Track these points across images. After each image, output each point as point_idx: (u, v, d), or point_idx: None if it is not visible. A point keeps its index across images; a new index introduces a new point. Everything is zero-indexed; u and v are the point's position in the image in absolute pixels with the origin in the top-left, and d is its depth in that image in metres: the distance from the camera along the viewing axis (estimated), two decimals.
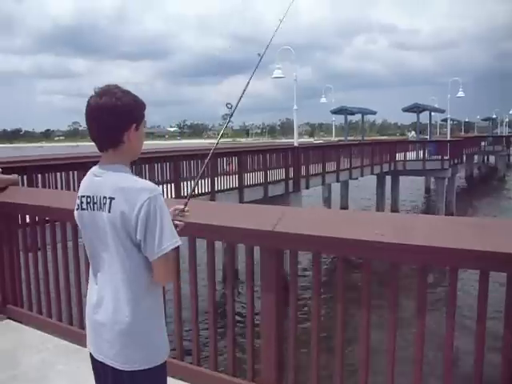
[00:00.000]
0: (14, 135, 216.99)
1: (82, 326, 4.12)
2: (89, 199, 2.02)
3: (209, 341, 3.38)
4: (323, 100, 33.25)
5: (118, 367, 2.02)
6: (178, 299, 3.50)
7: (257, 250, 3.07)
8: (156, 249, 1.93)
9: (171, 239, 1.95)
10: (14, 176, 5.12)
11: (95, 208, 2.00)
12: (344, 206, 26.94)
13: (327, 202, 28.68)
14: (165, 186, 11.94)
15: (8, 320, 4.78)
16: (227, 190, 14.18)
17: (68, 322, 4.33)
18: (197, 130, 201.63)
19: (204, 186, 13.08)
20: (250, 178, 15.10)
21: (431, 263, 2.61)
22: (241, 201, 14.69)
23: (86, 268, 3.49)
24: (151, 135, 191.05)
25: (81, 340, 4.03)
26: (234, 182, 14.54)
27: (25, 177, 9.49)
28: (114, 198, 1.94)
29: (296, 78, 19.50)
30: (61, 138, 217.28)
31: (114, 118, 1.96)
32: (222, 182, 14.04)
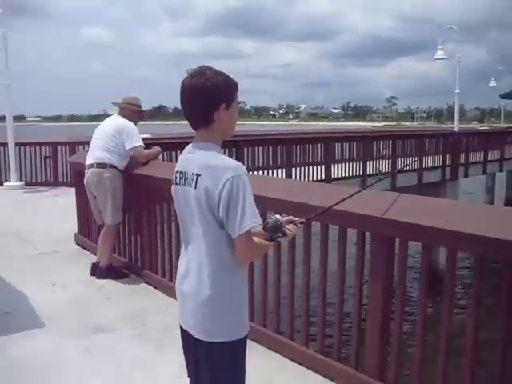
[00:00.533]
0: (180, 113, 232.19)
1: None
2: (181, 175, 2.11)
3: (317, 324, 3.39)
4: (492, 83, 30.80)
5: (197, 337, 2.10)
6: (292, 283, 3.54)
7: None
8: (237, 226, 1.96)
9: (251, 218, 1.96)
10: (157, 148, 5.49)
11: (186, 183, 2.08)
12: (509, 198, 24.81)
13: (490, 192, 26.58)
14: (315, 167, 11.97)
15: (144, 284, 5.21)
16: (377, 174, 13.78)
17: None
18: (360, 112, 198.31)
19: (355, 169, 12.91)
20: (403, 163, 14.48)
21: None
22: (393, 187, 14.24)
23: None
24: (314, 116, 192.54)
25: None
26: (387, 166, 14.08)
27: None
28: (200, 175, 2.00)
29: (459, 59, 18.34)
30: None
31: (203, 97, 2.01)
32: (373, 167, 13.66)
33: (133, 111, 5.32)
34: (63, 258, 6.17)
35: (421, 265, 2.73)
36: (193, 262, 2.12)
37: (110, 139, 5.15)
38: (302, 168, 11.71)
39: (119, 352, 3.76)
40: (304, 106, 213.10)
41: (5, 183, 12.02)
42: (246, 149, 10.82)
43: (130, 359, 3.64)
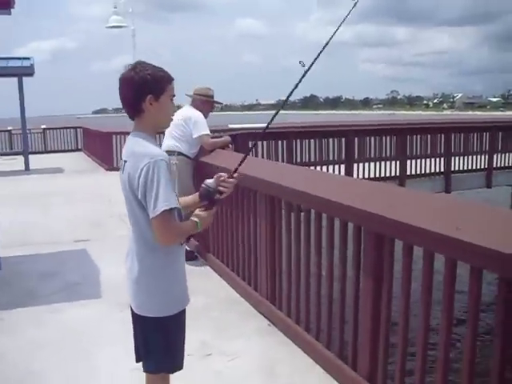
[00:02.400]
0: (335, 102, 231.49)
1: (250, 283, 4.51)
2: (121, 162, 2.29)
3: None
4: None
5: (134, 310, 2.30)
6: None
7: None
8: (152, 210, 2.09)
9: (164, 202, 2.08)
10: (226, 138, 5.70)
11: (121, 170, 2.27)
12: None
13: None
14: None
15: (207, 267, 5.47)
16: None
17: (240, 275, 4.75)
18: None
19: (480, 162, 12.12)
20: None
21: None
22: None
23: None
24: (470, 105, 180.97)
25: (246, 294, 4.46)
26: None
27: (284, 142, 10.32)
28: (126, 161, 2.19)
29: None
30: (379, 106, 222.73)
31: (131, 89, 2.19)
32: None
33: (202, 101, 5.58)
34: None
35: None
36: (131, 242, 2.30)
37: (178, 128, 5.46)
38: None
39: None
40: (460, 94, 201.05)
41: None
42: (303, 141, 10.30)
43: None
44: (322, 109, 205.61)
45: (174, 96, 2.31)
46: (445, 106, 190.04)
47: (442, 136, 11.75)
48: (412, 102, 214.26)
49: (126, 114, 2.30)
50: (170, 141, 5.50)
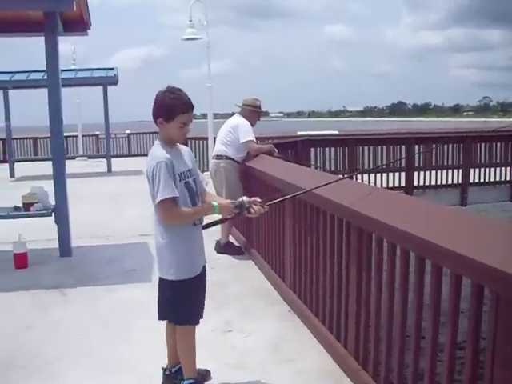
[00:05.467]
0: (423, 109, 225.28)
1: (280, 275, 5.01)
2: None
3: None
4: None
5: (158, 273, 3.06)
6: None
7: None
8: (156, 198, 2.80)
9: (162, 192, 2.76)
10: (270, 146, 6.25)
11: None
12: None
13: None
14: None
15: (250, 260, 6.03)
16: None
17: (273, 268, 5.26)
18: None
19: None
20: None
21: None
22: None
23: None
24: None
25: (276, 284, 4.97)
26: None
27: (346, 148, 10.71)
28: (148, 161, 2.89)
29: None
30: (469, 113, 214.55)
31: (153, 107, 2.90)
32: None
33: (250, 111, 6.17)
34: (205, 235, 7.28)
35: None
36: (154, 223, 3.02)
37: (227, 135, 6.08)
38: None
39: None
40: None
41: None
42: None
43: None
44: (409, 116, 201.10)
45: (185, 124, 2.89)
46: None
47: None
48: (506, 108, 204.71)
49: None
50: (219, 146, 6.13)
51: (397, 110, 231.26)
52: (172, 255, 2.94)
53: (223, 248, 6.26)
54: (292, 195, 3.60)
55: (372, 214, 2.95)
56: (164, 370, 3.20)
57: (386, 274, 2.94)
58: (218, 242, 6.39)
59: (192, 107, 2.90)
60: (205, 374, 3.24)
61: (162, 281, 3.05)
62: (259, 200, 3.08)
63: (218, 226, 6.36)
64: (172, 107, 2.83)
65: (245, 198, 3.05)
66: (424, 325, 2.58)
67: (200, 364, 3.16)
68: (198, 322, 3.09)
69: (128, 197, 10.51)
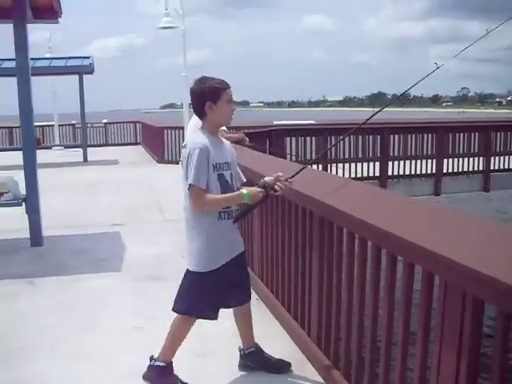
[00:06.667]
0: (403, 100, 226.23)
1: (251, 266, 5.03)
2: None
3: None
4: None
5: None
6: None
7: None
8: (188, 181, 2.85)
9: (191, 177, 2.83)
10: (241, 134, 6.24)
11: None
12: None
13: None
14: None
15: None
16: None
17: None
18: None
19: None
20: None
21: None
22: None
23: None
24: None
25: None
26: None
27: (320, 138, 10.74)
28: (186, 145, 3.06)
29: None
30: (448, 103, 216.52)
31: (194, 98, 3.01)
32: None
33: None
34: (178, 224, 7.28)
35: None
36: (184, 210, 3.07)
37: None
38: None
39: (157, 296, 4.63)
40: None
41: None
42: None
43: (159, 302, 4.47)
44: (389, 106, 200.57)
45: (230, 100, 3.01)
46: None
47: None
48: (483, 99, 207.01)
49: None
50: (190, 135, 6.11)
51: (376, 100, 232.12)
52: (194, 246, 3.01)
53: None
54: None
55: (332, 202, 2.98)
56: (240, 350, 3.36)
57: (345, 262, 3.00)
58: None
59: (229, 85, 3.03)
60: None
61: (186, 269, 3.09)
62: (281, 174, 3.08)
63: None
64: (215, 88, 2.95)
65: (267, 179, 3.05)
66: (381, 312, 2.64)
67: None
68: (200, 317, 3.10)
69: (102, 186, 10.47)
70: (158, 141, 15.49)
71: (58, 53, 18.93)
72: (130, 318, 4.10)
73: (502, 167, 12.11)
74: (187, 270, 3.05)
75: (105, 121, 21.49)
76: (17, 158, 6.98)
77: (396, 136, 11.26)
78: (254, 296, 4.53)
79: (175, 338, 3.09)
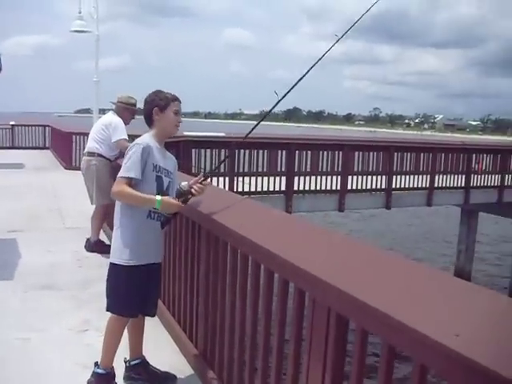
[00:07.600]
0: (318, 116, 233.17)
1: None
2: None
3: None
4: None
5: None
6: None
7: None
8: (119, 174, 3.00)
9: (125, 172, 2.96)
10: None
11: None
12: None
13: None
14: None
15: None
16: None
17: None
18: (502, 126, 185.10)
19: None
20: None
21: None
22: (466, 201, 13.92)
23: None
24: (451, 127, 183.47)
25: None
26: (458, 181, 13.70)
27: (226, 151, 10.80)
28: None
29: None
30: (361, 122, 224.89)
31: (145, 105, 3.18)
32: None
33: (124, 108, 6.10)
34: (79, 233, 7.13)
35: None
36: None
37: (99, 132, 6.01)
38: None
39: (48, 306, 4.54)
40: (441, 116, 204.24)
41: None
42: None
43: (50, 312, 4.41)
44: (304, 122, 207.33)
45: (177, 112, 3.17)
46: (426, 126, 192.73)
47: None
48: (394, 120, 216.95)
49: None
50: (91, 143, 6.04)
51: (292, 115, 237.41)
52: (118, 239, 3.05)
53: (93, 246, 6.16)
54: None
55: (218, 218, 3.07)
56: (125, 362, 3.34)
57: (228, 276, 3.09)
58: (88, 240, 6.29)
59: (179, 99, 3.21)
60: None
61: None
62: (196, 178, 3.17)
63: (89, 224, 6.35)
64: (164, 97, 3.14)
65: (182, 184, 3.11)
66: (259, 328, 2.74)
67: (52, 362, 3.16)
68: (132, 316, 3.19)
69: (3, 191, 10.03)
70: (66, 146, 15.07)
71: None
72: (16, 328, 3.99)
73: (401, 186, 12.73)
74: (110, 266, 3.10)
75: (12, 123, 20.55)
76: None
77: (303, 152, 11.56)
78: None
79: (110, 343, 3.16)
